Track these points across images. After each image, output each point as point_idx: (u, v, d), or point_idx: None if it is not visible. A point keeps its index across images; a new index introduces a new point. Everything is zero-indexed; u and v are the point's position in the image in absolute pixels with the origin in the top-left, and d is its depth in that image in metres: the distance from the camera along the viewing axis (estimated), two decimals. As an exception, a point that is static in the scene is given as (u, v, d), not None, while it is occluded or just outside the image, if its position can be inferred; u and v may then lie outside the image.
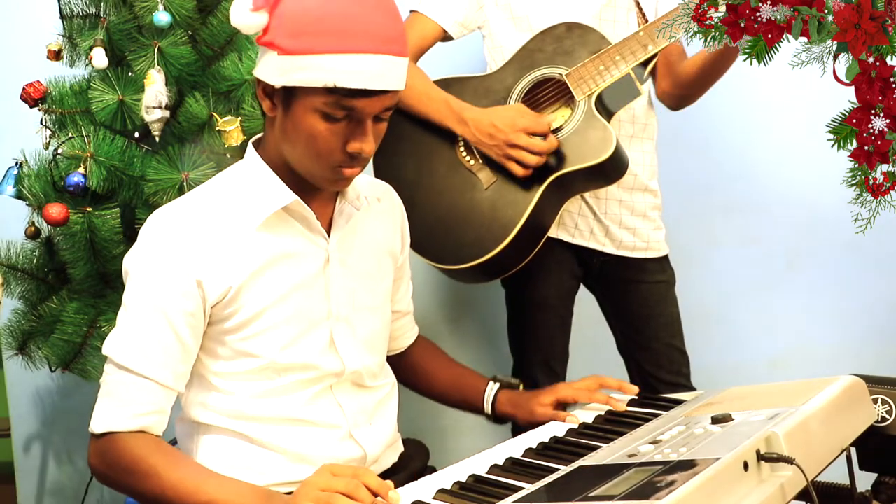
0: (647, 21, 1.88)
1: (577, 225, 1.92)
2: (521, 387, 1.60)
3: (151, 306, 1.23)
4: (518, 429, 1.93)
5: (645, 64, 1.80)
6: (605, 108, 1.79)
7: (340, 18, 1.17)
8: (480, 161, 1.82)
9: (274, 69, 1.20)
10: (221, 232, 1.26)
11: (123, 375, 1.23)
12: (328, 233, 1.35)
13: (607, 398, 1.48)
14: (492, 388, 1.59)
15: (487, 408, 1.58)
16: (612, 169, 1.78)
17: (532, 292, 1.97)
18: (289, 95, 1.22)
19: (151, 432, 1.24)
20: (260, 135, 1.37)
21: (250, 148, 1.35)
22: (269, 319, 1.29)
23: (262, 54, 1.24)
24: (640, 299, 1.99)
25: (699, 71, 1.89)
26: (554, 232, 1.90)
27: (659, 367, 1.99)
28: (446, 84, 1.88)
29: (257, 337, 1.29)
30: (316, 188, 1.32)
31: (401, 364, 1.62)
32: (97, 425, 1.23)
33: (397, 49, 1.21)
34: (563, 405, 1.54)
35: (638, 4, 1.90)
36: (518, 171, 1.77)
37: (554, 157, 1.77)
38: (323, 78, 1.17)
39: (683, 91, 1.96)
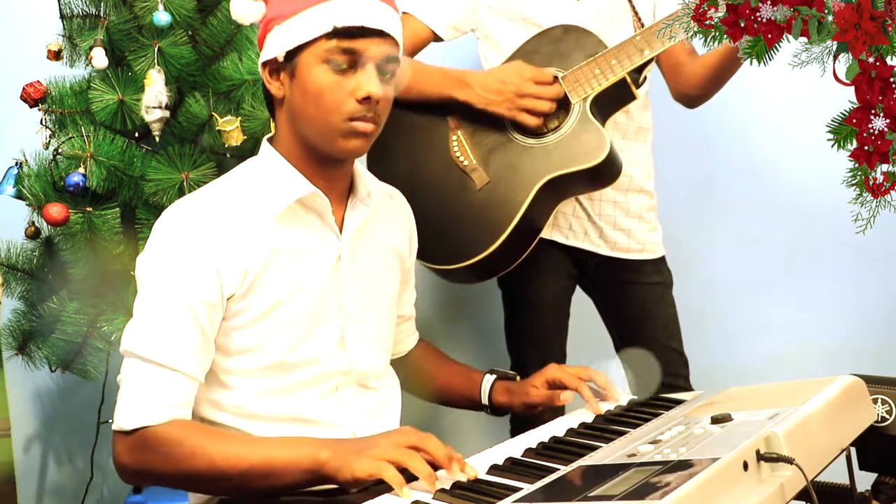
0: (642, 24, 1.87)
1: (570, 226, 1.92)
2: (518, 378, 1.59)
3: (174, 298, 1.23)
4: (516, 429, 1.93)
5: (640, 69, 1.79)
6: (600, 111, 1.78)
7: None
8: (474, 161, 1.82)
9: (276, 42, 1.27)
10: (238, 222, 1.28)
11: (150, 369, 1.22)
12: (340, 231, 1.36)
13: (590, 396, 1.46)
14: (488, 380, 1.58)
15: (484, 398, 1.57)
16: (605, 173, 1.77)
17: (528, 293, 1.96)
18: (293, 62, 1.27)
19: None
20: (272, 133, 1.39)
21: (265, 143, 1.37)
22: (280, 315, 1.29)
23: (265, 43, 1.30)
24: (636, 300, 1.99)
25: (712, 70, 1.88)
26: (548, 233, 1.89)
27: None
28: None
29: (269, 333, 1.29)
30: (329, 186, 1.33)
31: (400, 368, 1.62)
32: (127, 421, 1.21)
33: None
34: (553, 387, 1.51)
35: (633, 7, 1.89)
36: (531, 121, 1.76)
37: (547, 160, 1.77)
38: (322, 25, 1.24)
39: (696, 91, 1.95)
